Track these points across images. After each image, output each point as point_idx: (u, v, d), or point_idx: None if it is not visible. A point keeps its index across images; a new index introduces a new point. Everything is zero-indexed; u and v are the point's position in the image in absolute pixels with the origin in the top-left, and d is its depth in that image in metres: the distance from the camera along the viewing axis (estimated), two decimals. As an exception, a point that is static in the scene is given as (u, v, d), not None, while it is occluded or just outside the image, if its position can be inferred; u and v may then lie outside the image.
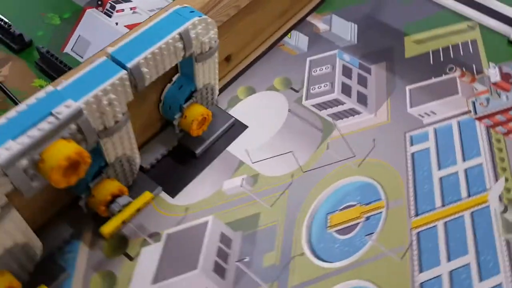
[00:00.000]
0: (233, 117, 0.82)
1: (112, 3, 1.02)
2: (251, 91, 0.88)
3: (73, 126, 0.50)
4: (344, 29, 0.99)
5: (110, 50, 0.56)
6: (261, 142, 0.80)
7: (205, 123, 0.75)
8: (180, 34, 0.59)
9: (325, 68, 0.92)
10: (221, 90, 0.87)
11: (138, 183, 0.71)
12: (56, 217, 0.69)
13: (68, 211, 0.69)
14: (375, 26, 1.00)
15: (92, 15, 1.00)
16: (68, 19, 1.01)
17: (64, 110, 0.49)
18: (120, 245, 0.68)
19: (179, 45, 0.60)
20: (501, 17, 1.03)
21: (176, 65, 0.70)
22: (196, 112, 0.71)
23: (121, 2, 1.03)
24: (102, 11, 1.01)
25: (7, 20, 0.93)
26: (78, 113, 0.49)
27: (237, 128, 0.82)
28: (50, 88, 0.51)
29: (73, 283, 0.65)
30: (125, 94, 0.56)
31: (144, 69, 0.56)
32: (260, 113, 0.84)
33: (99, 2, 1.03)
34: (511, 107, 0.87)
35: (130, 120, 0.61)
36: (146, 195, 0.64)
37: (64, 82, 0.53)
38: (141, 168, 0.74)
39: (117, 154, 0.62)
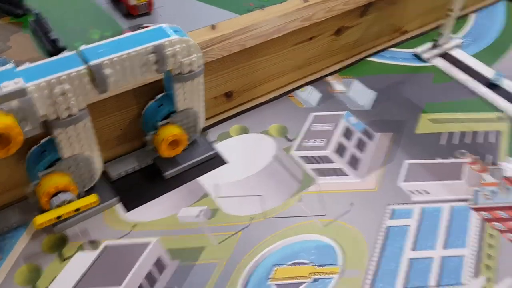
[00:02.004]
0: (215, 150, 0.81)
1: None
2: (244, 130, 0.87)
3: (14, 103, 0.52)
4: (361, 95, 0.97)
5: (83, 47, 0.59)
6: (234, 180, 0.78)
7: (178, 146, 0.75)
8: (154, 46, 0.61)
9: (327, 126, 0.89)
10: (215, 124, 0.88)
11: (96, 189, 0.71)
12: (11, 203, 0.70)
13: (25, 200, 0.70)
14: (395, 98, 0.97)
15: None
16: (106, 37, 1.09)
17: (10, 85, 0.51)
18: (59, 243, 0.68)
19: (152, 57, 0.62)
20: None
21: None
22: (168, 132, 0.72)
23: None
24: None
25: (49, 24, 1.02)
26: (21, 92, 0.52)
27: (216, 161, 0.81)
28: (10, 65, 0.54)
29: (0, 267, 0.64)
30: (84, 90, 0.58)
31: (107, 70, 0.58)
32: (244, 153, 0.83)
33: (140, 27, 1.10)
34: (519, 206, 0.78)
35: (92, 120, 0.63)
36: (90, 198, 0.64)
37: (27, 64, 0.56)
38: (107, 177, 0.75)
39: (73, 151, 0.64)
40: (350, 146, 0.86)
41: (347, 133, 0.88)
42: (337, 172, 0.81)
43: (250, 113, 0.91)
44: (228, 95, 0.88)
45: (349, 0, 0.90)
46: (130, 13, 0.99)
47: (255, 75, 0.89)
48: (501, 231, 0.73)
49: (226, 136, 0.86)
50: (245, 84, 0.89)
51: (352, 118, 0.91)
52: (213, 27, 0.77)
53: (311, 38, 0.92)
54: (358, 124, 0.90)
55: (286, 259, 0.68)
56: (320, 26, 0.90)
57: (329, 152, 0.84)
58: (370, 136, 0.88)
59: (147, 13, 1.01)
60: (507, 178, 0.82)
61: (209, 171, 0.79)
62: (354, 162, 0.83)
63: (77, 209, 0.63)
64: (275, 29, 0.82)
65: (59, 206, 0.62)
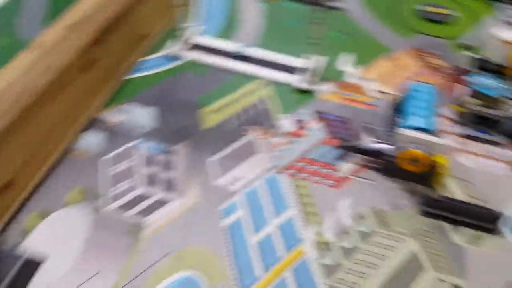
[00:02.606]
0: (21, 256, 0.72)
1: None
2: (43, 215, 0.79)
3: None
4: (141, 116, 0.97)
5: None
6: (63, 272, 0.71)
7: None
8: None
9: (125, 163, 0.88)
10: (7, 224, 0.77)
11: None
12: None
13: None
14: (171, 106, 1.00)
15: None
16: None
17: None
18: None
19: None
20: (283, 68, 1.12)
21: None
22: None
23: None
24: None
25: None
26: None
27: (32, 265, 0.72)
28: None
29: None
30: None
31: None
32: (58, 238, 0.76)
33: None
34: (309, 150, 0.92)
35: None
36: None
37: None
38: None
39: None
40: (158, 171, 0.87)
41: (149, 160, 0.88)
42: (160, 204, 0.82)
43: (37, 195, 0.82)
44: (8, 186, 0.78)
45: (80, 35, 0.88)
46: None
47: (22, 153, 0.80)
48: (307, 179, 0.87)
49: (25, 232, 0.77)
50: (17, 166, 0.80)
51: (146, 144, 0.91)
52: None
53: (62, 87, 0.86)
54: (155, 147, 0.91)
55: (158, 313, 0.67)
56: (66, 72, 0.86)
57: (142, 188, 0.84)
58: (169, 152, 0.90)
59: None
60: (287, 133, 0.96)
61: (30, 279, 0.70)
62: (170, 185, 0.84)
63: None
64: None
65: None
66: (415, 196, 0.85)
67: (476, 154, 0.94)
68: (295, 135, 0.96)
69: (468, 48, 1.20)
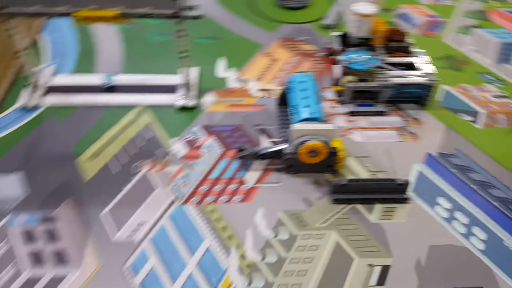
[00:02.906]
0: None
1: None
2: None
3: None
4: (6, 186, 0.83)
5: None
6: None
7: None
8: None
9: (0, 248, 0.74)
10: None
11: None
12: None
13: None
14: (43, 163, 0.87)
15: None
16: None
17: None
18: None
19: None
20: (159, 89, 1.04)
21: None
22: None
23: None
24: None
25: None
26: None
27: None
28: None
29: None
30: None
31: None
32: None
33: None
34: (209, 171, 0.86)
35: None
36: None
37: None
38: None
39: None
40: (42, 246, 0.74)
41: (27, 236, 0.75)
42: (56, 282, 0.70)
43: None
44: None
45: None
46: None
47: None
48: (214, 202, 0.81)
49: None
50: None
51: (19, 218, 0.78)
52: None
53: None
54: (31, 218, 0.78)
55: None
56: None
57: (28, 271, 0.71)
58: (50, 219, 0.78)
59: None
60: (183, 158, 0.89)
61: None
62: (60, 258, 0.73)
63: None
64: None
65: None
66: (323, 186, 0.84)
67: (366, 128, 0.96)
68: (191, 157, 0.89)
69: (331, 28, 1.23)
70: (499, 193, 0.84)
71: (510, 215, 0.80)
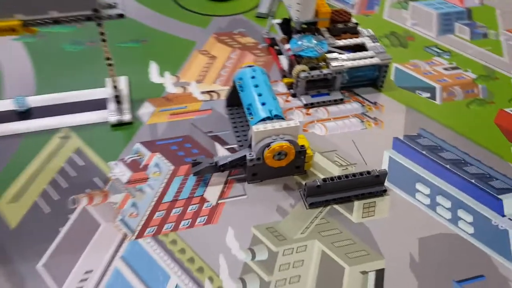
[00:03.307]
0: None
1: None
2: None
3: None
4: None
5: None
6: None
7: None
8: None
9: None
10: None
11: None
12: None
13: None
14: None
15: None
16: None
17: None
18: None
19: None
20: (87, 106, 0.89)
21: None
22: None
23: None
24: None
25: None
26: None
27: None
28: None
29: None
30: None
31: None
32: None
33: None
34: (161, 193, 0.74)
35: None
36: None
37: None
38: None
39: None
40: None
41: None
42: None
43: None
44: None
45: None
46: None
47: None
48: (173, 229, 0.69)
49: None
50: None
51: None
52: None
53: None
54: None
55: None
56: None
57: None
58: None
59: None
60: (128, 183, 0.76)
61: None
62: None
63: None
64: None
65: None
66: (294, 191, 0.74)
67: (325, 120, 0.88)
68: (137, 181, 0.76)
69: (265, 16, 1.14)
70: (473, 170, 0.79)
71: (490, 191, 0.76)
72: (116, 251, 0.66)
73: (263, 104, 0.75)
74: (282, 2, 0.97)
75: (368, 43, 0.95)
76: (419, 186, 0.76)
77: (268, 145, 0.70)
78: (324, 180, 0.71)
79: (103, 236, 0.67)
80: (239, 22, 1.15)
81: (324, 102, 0.91)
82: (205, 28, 1.12)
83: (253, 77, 0.80)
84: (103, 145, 0.81)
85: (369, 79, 0.94)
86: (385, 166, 0.79)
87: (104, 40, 0.77)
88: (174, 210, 0.71)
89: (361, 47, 0.95)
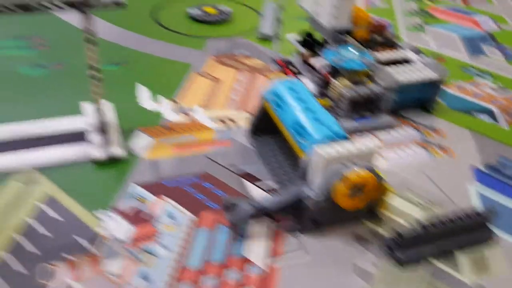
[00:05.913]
0: None
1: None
2: None
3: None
4: None
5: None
6: None
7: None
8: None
9: None
10: None
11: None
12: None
13: None
14: None
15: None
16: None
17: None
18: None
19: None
20: (62, 139, 0.64)
21: None
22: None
23: None
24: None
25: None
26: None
27: None
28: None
29: None
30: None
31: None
32: None
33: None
34: (182, 255, 0.49)
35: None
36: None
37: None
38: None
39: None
40: None
41: None
42: None
43: None
44: None
45: None
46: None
47: None
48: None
49: None
50: None
51: None
52: None
53: None
54: None
55: None
56: None
57: None
58: None
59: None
60: (129, 243, 0.51)
61: None
62: None
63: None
64: None
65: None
66: (373, 243, 0.53)
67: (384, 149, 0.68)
68: (143, 239, 0.51)
69: (269, 38, 0.97)
70: None
71: None
72: None
73: (317, 120, 0.54)
74: (305, 10, 0.80)
75: (413, 56, 0.79)
76: (527, 229, 0.57)
77: (340, 176, 0.49)
78: (414, 228, 0.50)
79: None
80: (239, 44, 0.96)
81: (372, 127, 0.71)
82: (201, 50, 0.93)
83: (294, 90, 0.60)
84: (86, 190, 0.57)
85: (419, 99, 0.77)
86: (476, 204, 0.59)
87: (89, 41, 0.55)
88: (207, 278, 0.47)
89: (401, 63, 0.78)
